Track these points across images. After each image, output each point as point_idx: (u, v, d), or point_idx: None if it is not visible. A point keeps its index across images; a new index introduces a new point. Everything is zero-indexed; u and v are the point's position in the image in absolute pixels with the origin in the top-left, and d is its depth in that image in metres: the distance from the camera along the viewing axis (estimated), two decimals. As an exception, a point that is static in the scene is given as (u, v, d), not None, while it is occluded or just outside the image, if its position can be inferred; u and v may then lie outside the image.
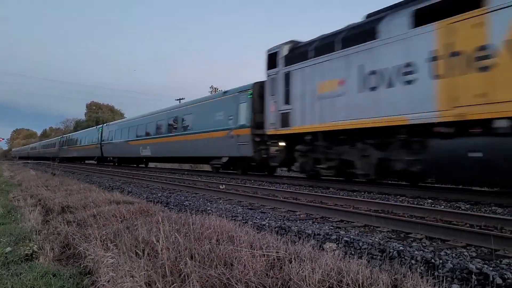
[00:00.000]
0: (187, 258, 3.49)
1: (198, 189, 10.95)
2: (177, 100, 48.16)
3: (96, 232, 4.59)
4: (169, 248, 3.74)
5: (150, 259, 3.65)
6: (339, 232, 5.12)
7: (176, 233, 4.27)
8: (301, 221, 6.10)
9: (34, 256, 4.52)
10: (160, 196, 9.44)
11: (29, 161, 51.70)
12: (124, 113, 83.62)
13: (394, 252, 4.02)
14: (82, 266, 4.09)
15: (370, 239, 4.59)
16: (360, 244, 4.41)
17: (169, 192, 10.65)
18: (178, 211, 6.71)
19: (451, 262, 3.59)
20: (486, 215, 5.97)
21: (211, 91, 44.53)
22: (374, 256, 4.05)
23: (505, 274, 3.25)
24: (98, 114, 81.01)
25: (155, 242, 3.91)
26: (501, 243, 4.24)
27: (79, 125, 79.42)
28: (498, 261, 3.80)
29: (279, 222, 5.73)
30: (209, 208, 7.15)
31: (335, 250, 4.11)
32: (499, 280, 3.17)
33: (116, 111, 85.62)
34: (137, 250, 4.01)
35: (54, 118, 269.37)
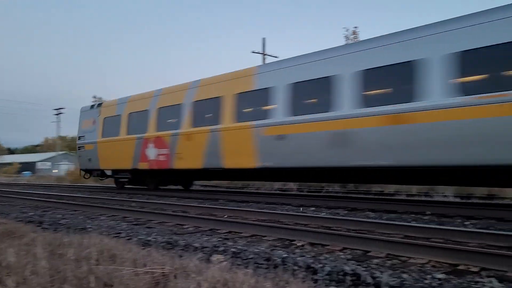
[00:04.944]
0: (60, 283, 3.15)
1: (77, 205, 10.10)
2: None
3: None
4: (38, 273, 3.34)
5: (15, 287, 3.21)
6: (227, 243, 5.12)
7: (49, 255, 3.86)
8: (189, 234, 5.98)
9: None
10: (33, 215, 8.49)
11: None
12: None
13: (279, 260, 4.14)
14: None
15: (257, 249, 4.67)
16: (247, 254, 4.46)
17: (43, 210, 9.63)
18: (54, 231, 6.10)
19: (329, 266, 3.81)
20: (361, 219, 6.51)
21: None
22: (260, 265, 4.12)
23: (375, 273, 3.55)
24: None
25: (21, 267, 3.47)
26: (372, 245, 4.65)
27: None
28: (369, 262, 4.15)
29: (166, 237, 5.54)
30: (89, 226, 6.63)
31: (222, 261, 4.08)
32: (369, 279, 3.45)
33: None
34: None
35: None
